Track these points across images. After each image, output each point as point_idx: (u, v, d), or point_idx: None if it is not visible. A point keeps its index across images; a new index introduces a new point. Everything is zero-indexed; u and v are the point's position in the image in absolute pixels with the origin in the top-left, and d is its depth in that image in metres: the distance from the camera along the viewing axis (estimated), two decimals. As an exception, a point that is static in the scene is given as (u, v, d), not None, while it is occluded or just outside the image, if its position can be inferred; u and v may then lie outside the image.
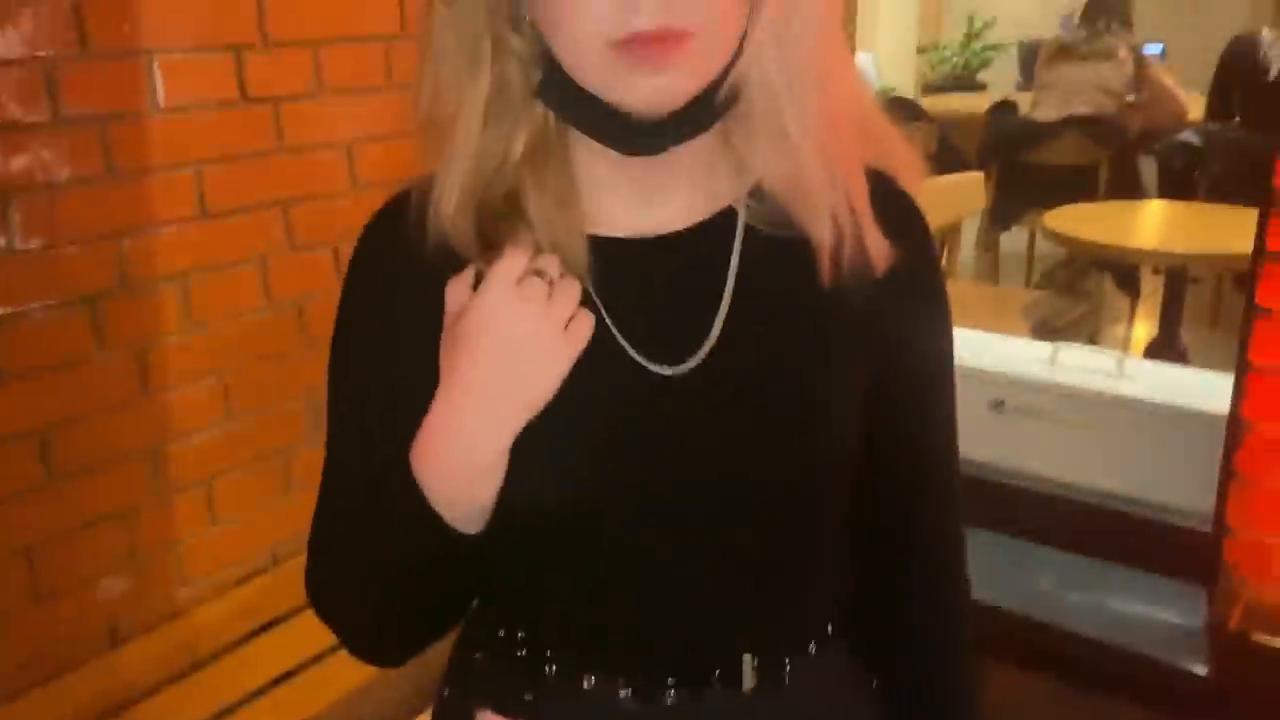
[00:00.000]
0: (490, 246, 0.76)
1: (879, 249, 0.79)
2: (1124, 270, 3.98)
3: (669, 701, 0.81)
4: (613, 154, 0.76)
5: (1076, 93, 4.33)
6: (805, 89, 0.75)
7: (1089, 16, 4.50)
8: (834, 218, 0.78)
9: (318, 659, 1.98)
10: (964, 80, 7.98)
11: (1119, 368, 2.11)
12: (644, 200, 0.80)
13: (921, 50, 8.24)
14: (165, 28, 1.71)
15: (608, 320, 0.79)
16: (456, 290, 0.76)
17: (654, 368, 0.79)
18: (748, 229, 0.81)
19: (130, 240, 1.71)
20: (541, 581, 0.83)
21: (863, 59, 7.14)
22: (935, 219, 3.57)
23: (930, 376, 0.88)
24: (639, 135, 0.74)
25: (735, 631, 0.82)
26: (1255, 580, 1.71)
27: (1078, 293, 3.80)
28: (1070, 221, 3.04)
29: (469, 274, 0.76)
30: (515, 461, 0.76)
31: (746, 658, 0.82)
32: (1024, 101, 4.96)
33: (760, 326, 0.80)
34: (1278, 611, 1.69)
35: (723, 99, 0.75)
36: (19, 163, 1.57)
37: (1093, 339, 3.17)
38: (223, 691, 1.89)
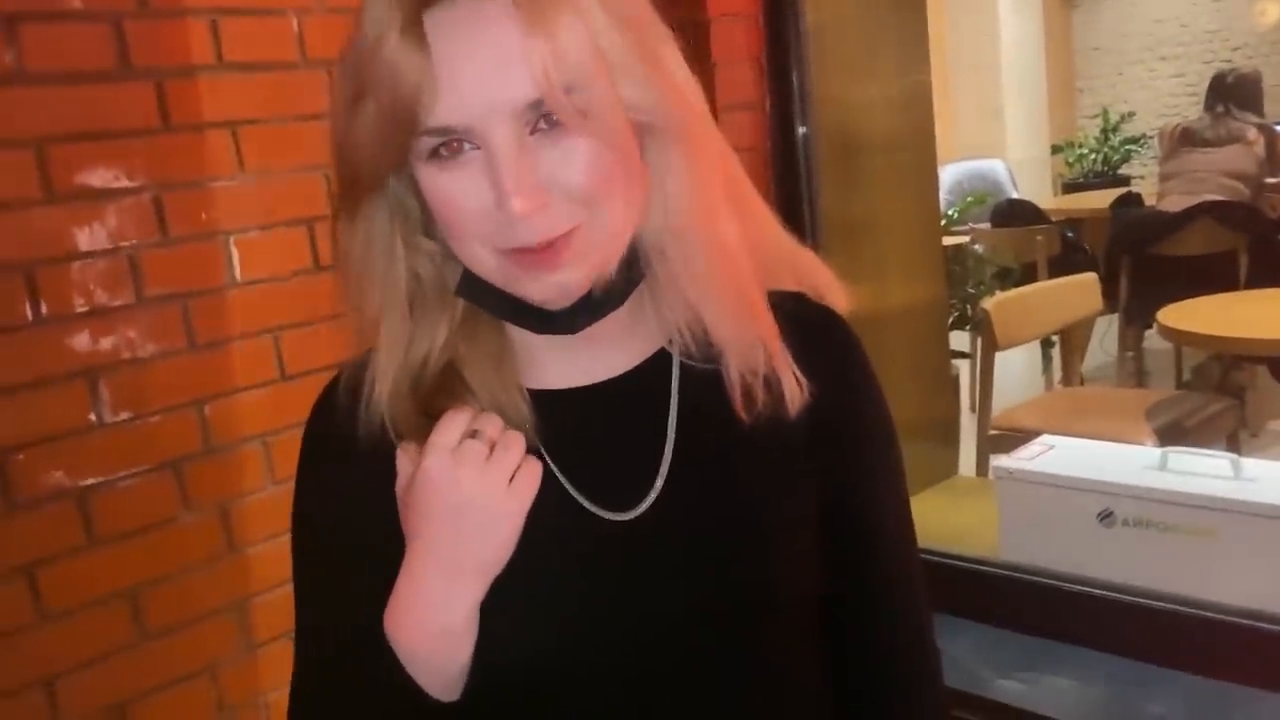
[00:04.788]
0: (434, 417, 0.78)
1: (792, 390, 0.80)
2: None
3: None
4: None
5: (1203, 180, 4.15)
6: (694, 250, 0.78)
7: (1210, 103, 4.35)
8: (744, 358, 0.79)
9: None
10: (1106, 176, 7.78)
11: (1234, 469, 1.96)
12: (576, 356, 0.82)
13: (1057, 150, 8.11)
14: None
15: (557, 473, 0.80)
16: (404, 461, 0.79)
17: (609, 515, 0.80)
18: (683, 366, 0.82)
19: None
20: None
21: (995, 166, 7.08)
22: (1050, 322, 3.45)
23: (870, 499, 0.87)
24: (554, 320, 0.77)
25: None
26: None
27: (1224, 389, 3.56)
28: (1183, 317, 2.88)
29: (414, 444, 0.78)
30: (485, 621, 0.77)
31: None
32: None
33: (706, 462, 0.81)
34: None
35: (623, 278, 0.77)
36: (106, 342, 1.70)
37: (1232, 439, 2.94)
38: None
